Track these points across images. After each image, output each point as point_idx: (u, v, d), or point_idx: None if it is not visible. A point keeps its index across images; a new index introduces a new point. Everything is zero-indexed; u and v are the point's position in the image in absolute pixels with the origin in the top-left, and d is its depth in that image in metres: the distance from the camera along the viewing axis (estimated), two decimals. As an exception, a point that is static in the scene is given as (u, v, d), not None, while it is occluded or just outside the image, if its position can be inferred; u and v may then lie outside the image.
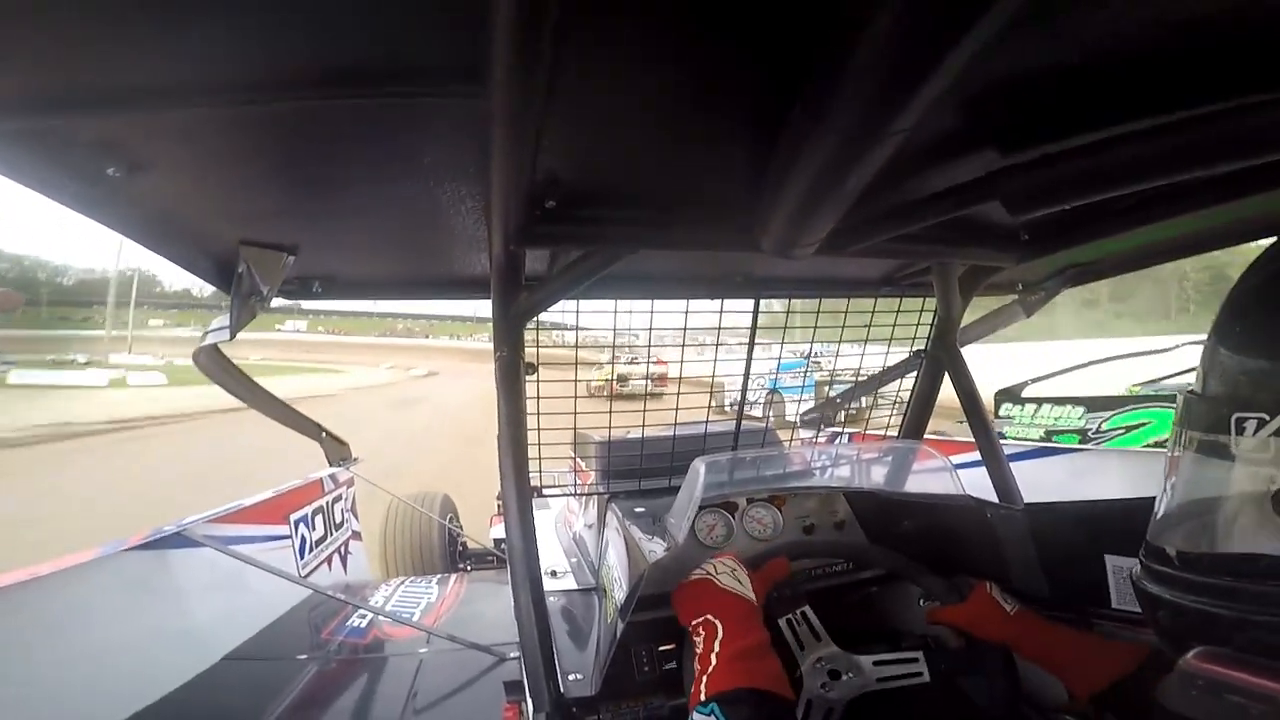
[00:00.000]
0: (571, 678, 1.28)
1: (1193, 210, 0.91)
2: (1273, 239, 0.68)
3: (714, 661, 0.99)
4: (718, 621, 1.05)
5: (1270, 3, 0.55)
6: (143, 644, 1.76)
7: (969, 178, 0.86)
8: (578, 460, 1.86)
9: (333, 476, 2.93)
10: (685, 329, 1.55)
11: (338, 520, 2.96)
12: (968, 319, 1.63)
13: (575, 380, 1.49)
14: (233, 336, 1.33)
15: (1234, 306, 0.67)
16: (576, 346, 1.48)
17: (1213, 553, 0.61)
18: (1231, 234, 1.15)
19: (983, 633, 1.20)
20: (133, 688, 1.67)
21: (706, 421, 1.69)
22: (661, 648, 1.41)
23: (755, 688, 0.94)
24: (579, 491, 1.89)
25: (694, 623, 1.08)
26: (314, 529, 2.73)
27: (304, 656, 2.03)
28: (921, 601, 1.42)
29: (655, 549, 1.31)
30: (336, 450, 2.83)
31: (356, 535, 3.19)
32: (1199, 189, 0.87)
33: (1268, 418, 0.56)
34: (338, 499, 2.98)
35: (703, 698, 0.94)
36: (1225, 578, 0.58)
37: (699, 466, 1.23)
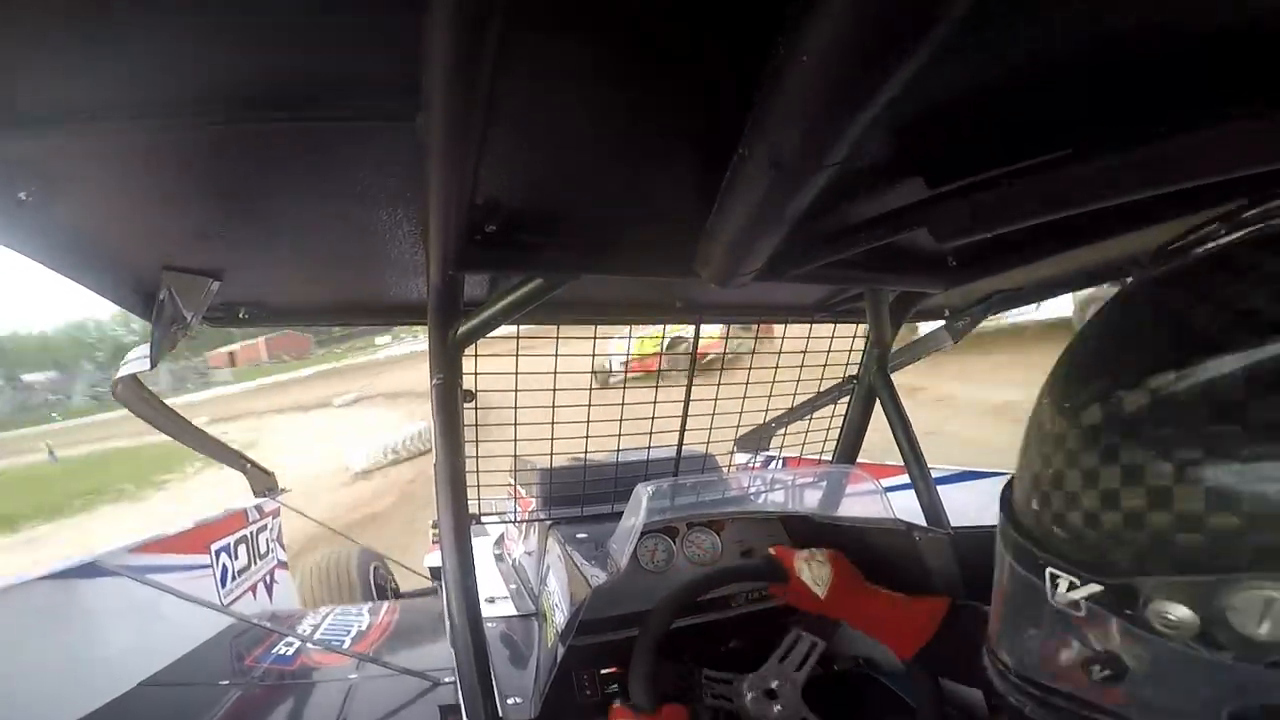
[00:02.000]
0: (511, 701, 1.26)
1: (1117, 235, 0.93)
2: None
3: None
4: None
5: (1190, 27, 0.55)
6: (50, 671, 1.65)
7: (898, 205, 0.88)
8: (518, 487, 1.84)
9: (258, 507, 2.86)
10: (629, 355, 1.56)
11: (262, 550, 2.89)
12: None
13: (515, 407, 1.47)
14: (154, 365, 1.27)
15: (1045, 430, 0.51)
16: (516, 373, 1.46)
17: (1039, 682, 0.55)
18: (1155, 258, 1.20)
19: (808, 608, 1.32)
20: (37, 714, 1.57)
21: (649, 448, 1.69)
22: (604, 671, 1.40)
23: None
24: (519, 519, 1.86)
25: None
26: (236, 558, 2.64)
27: (226, 683, 1.93)
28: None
29: (598, 573, 1.31)
30: (262, 481, 2.82)
31: (283, 565, 3.10)
32: (1123, 214, 0.86)
33: (1078, 582, 0.48)
34: (263, 529, 2.90)
35: None
36: (1057, 699, 0.53)
37: (642, 492, 1.24)
